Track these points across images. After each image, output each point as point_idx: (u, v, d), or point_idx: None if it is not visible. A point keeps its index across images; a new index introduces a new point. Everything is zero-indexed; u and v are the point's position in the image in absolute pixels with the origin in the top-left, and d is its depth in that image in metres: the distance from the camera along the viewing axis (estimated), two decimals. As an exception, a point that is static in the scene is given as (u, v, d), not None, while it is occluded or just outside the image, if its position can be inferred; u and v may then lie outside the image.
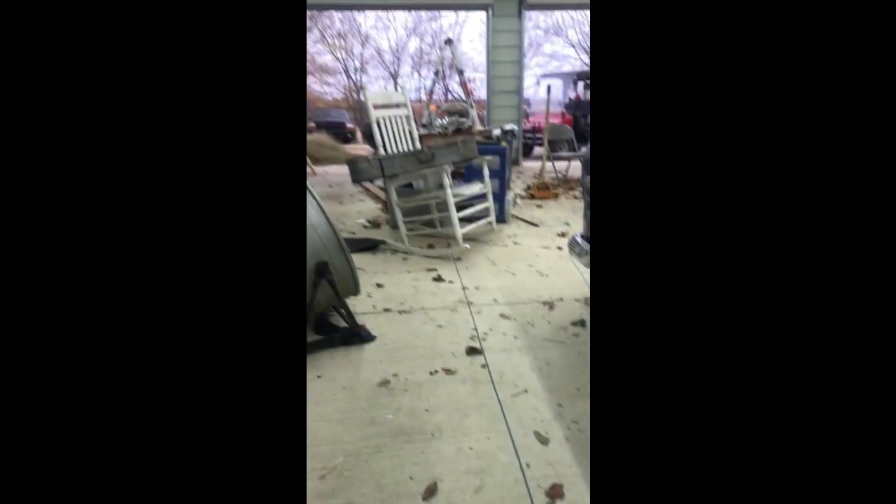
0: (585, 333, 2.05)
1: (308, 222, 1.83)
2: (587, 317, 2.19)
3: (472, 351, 1.89)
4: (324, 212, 1.88)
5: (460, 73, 6.67)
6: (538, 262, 2.98)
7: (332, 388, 1.66)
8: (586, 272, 2.73)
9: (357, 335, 1.95)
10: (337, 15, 15.59)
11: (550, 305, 2.33)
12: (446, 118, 5.37)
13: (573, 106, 9.32)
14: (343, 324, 2.00)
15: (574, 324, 2.13)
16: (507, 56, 6.88)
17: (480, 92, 8.77)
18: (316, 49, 16.20)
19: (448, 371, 1.74)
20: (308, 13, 13.54)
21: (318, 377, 1.73)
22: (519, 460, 1.32)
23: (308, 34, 15.32)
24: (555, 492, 1.22)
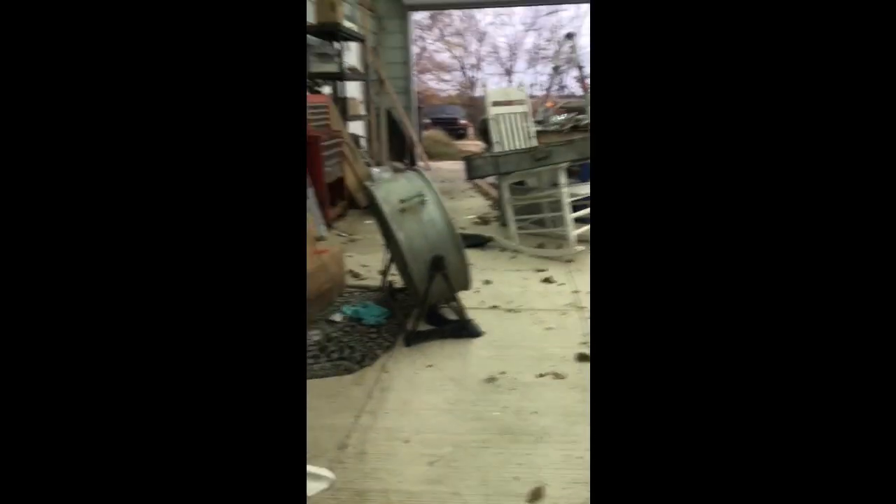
0: (710, 351, 1.88)
1: (427, 216, 1.90)
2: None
3: (582, 357, 1.83)
4: (442, 207, 1.93)
5: (580, 68, 6.44)
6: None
7: (441, 378, 1.71)
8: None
9: (466, 329, 1.99)
10: (456, 14, 15.88)
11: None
12: (563, 115, 5.23)
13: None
14: (453, 317, 2.05)
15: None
16: (631, 49, 6.49)
17: (599, 87, 8.36)
18: (435, 47, 16.68)
19: (557, 375, 1.71)
20: (428, 13, 13.94)
21: (429, 366, 1.79)
22: None
23: (427, 33, 15.82)
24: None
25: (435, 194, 1.96)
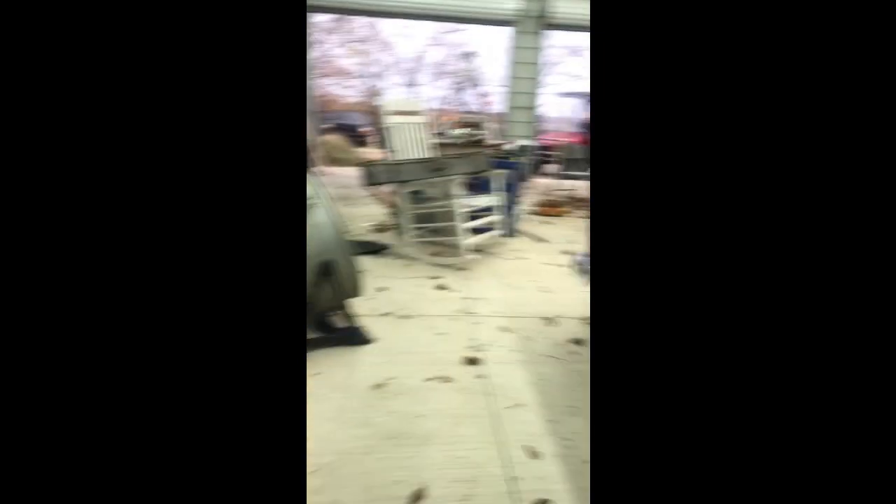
0: (583, 352, 2.05)
1: (315, 220, 1.85)
2: (587, 336, 2.19)
3: (469, 361, 1.89)
4: (332, 211, 1.90)
5: (478, 86, 6.71)
6: (542, 278, 2.99)
7: (327, 387, 1.67)
8: (588, 291, 2.73)
9: (356, 336, 1.96)
10: (360, 20, 15.79)
11: (551, 322, 2.33)
12: (461, 129, 5.41)
13: (589, 125, 9.36)
14: (343, 324, 2.01)
15: (572, 342, 2.13)
16: (526, 72, 6.93)
17: (498, 106, 8.83)
18: (336, 52, 16.40)
19: (444, 379, 1.75)
20: (332, 16, 13.68)
21: (316, 374, 1.74)
22: (508, 473, 1.32)
23: (329, 37, 15.51)
24: (542, 507, 1.22)
25: (326, 199, 1.92)
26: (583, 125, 9.76)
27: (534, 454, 1.40)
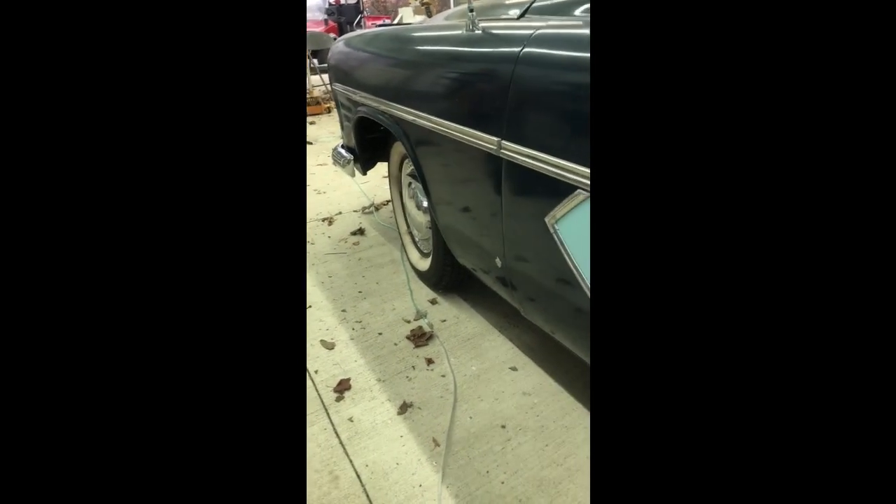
0: (365, 241, 2.14)
1: None
2: (366, 225, 2.27)
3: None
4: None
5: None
6: (314, 180, 2.93)
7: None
8: (362, 184, 2.79)
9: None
10: None
11: (330, 221, 2.35)
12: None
13: (335, 11, 8.81)
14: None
15: (353, 233, 2.20)
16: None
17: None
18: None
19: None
20: None
21: None
22: (310, 369, 1.38)
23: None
24: (342, 386, 1.32)
25: None
26: (328, 11, 9.12)
27: (329, 346, 1.47)
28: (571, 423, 1.16)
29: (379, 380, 1.34)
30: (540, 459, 1.08)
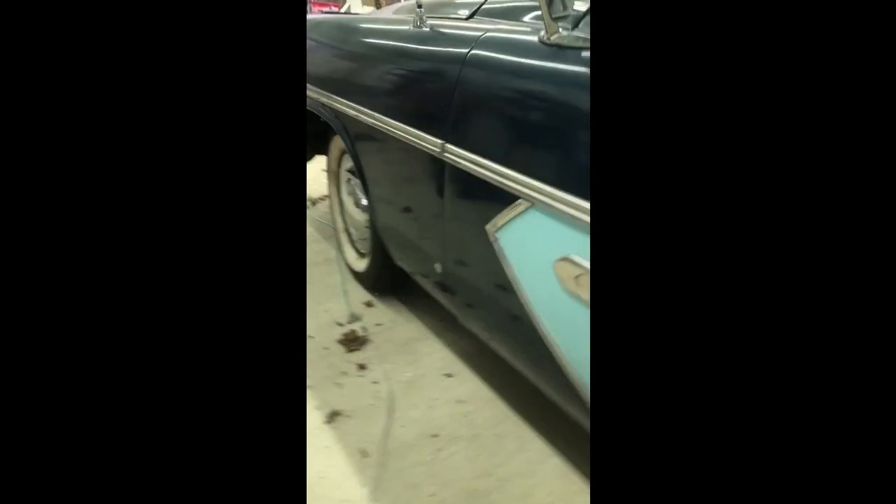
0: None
1: None
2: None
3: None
4: None
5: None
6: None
7: None
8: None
9: None
10: None
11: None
12: None
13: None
14: None
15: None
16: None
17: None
18: None
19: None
20: None
21: None
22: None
23: None
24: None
25: None
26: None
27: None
28: (505, 431, 1.15)
29: (307, 386, 1.27)
30: (471, 470, 1.06)
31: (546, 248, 0.78)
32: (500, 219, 0.86)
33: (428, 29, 1.11)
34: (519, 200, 0.81)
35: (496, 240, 0.88)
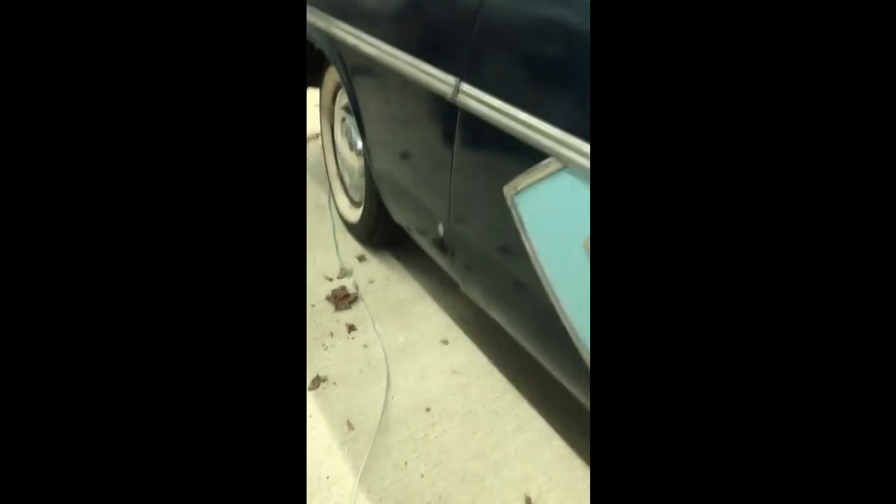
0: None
1: None
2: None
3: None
4: None
5: None
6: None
7: None
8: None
9: None
10: None
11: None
12: None
13: None
14: None
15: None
16: None
17: None
18: None
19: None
20: None
21: None
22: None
23: None
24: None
25: None
26: None
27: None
28: (502, 408, 1.07)
29: (290, 347, 1.16)
30: (465, 450, 0.98)
31: (577, 220, 0.64)
32: (523, 180, 0.72)
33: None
34: (548, 159, 0.67)
35: (515, 205, 0.74)
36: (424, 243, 1.16)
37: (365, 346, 1.19)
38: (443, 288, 1.37)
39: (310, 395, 1.06)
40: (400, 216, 1.23)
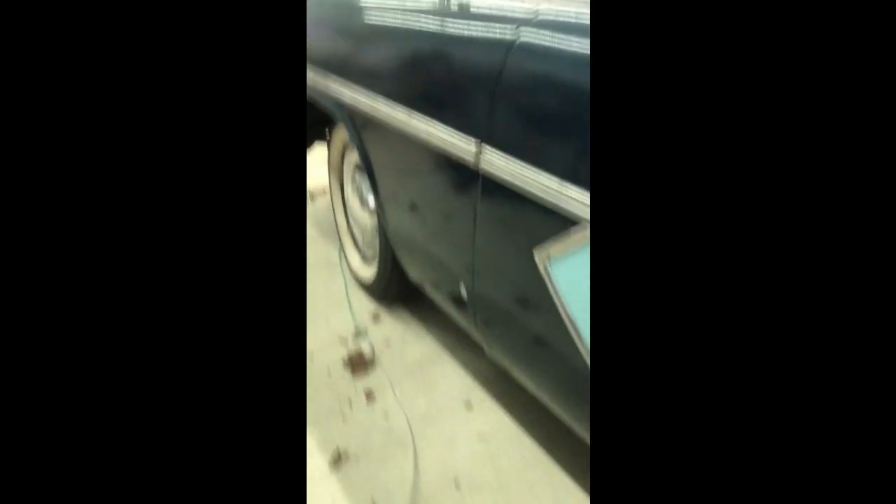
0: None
1: None
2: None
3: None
4: None
5: None
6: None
7: None
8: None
9: None
10: None
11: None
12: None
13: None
14: None
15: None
16: None
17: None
18: None
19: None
20: None
21: None
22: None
23: None
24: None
25: None
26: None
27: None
28: (535, 479, 1.00)
29: (308, 421, 1.11)
30: (501, 529, 0.91)
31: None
32: (555, 248, 0.69)
33: (458, 2, 0.92)
34: (580, 225, 0.64)
35: (549, 273, 0.71)
36: (445, 305, 1.12)
37: (385, 414, 1.13)
38: (460, 344, 1.32)
39: (331, 475, 1.00)
40: (416, 274, 1.20)
